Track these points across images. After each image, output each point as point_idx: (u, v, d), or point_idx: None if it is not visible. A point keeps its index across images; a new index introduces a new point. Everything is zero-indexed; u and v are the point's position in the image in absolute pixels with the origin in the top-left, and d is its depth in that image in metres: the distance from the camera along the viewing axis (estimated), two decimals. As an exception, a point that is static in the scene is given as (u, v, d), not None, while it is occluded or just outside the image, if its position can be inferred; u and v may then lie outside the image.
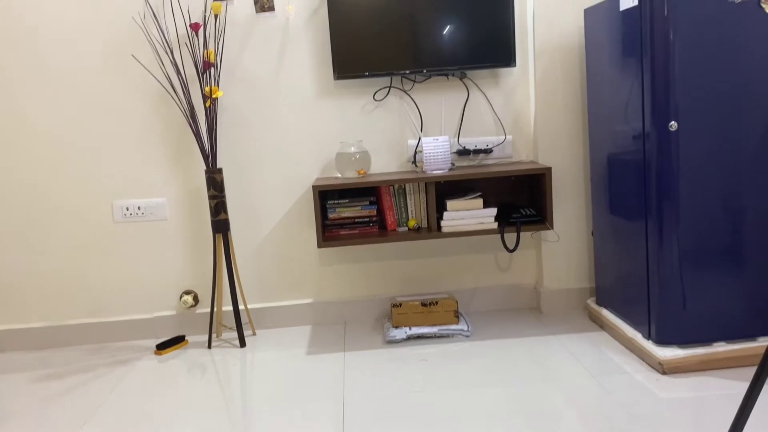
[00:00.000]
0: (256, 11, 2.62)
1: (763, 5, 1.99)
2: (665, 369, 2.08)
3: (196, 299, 2.76)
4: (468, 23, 2.56)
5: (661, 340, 2.13)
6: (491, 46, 2.58)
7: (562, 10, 2.60)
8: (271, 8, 2.62)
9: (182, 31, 2.60)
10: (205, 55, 2.51)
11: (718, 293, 2.09)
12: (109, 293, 2.76)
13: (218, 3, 2.55)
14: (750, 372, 2.05)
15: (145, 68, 2.62)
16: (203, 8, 2.60)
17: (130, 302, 2.77)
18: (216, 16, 2.59)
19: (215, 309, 2.67)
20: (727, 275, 2.09)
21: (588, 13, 2.44)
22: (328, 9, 2.54)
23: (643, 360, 2.20)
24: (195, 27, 2.50)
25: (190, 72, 2.63)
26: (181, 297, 2.74)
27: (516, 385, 2.09)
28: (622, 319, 2.37)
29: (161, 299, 2.77)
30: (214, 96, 2.50)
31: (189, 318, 2.77)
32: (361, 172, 2.58)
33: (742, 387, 1.96)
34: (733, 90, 2.02)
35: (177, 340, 2.66)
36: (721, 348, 2.08)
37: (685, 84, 2.00)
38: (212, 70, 2.54)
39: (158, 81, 2.63)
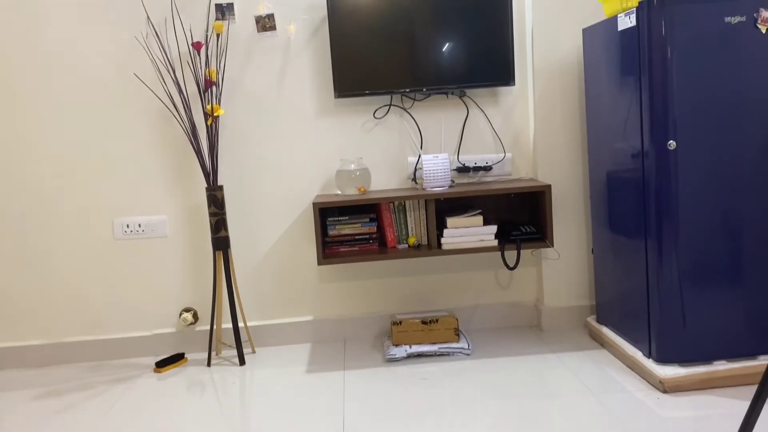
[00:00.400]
0: (258, 30, 2.65)
1: (759, 25, 2.01)
2: (666, 387, 2.07)
3: (195, 317, 2.75)
4: (467, 42, 2.59)
5: (662, 359, 2.12)
6: (490, 65, 2.61)
7: (561, 29, 2.63)
8: (273, 28, 2.65)
9: (184, 50, 2.63)
10: (207, 73, 2.53)
11: (718, 311, 2.09)
12: (108, 310, 2.76)
13: (220, 23, 2.58)
14: (751, 391, 2.05)
15: (148, 87, 2.64)
16: (205, 27, 2.63)
17: (130, 319, 2.77)
18: (218, 36, 2.62)
19: (215, 326, 2.67)
20: (727, 293, 2.09)
21: (586, 32, 2.46)
22: (329, 28, 2.56)
23: (643, 378, 2.19)
24: (197, 46, 2.53)
25: (192, 90, 2.65)
26: (180, 314, 2.74)
27: (517, 403, 2.08)
28: (623, 337, 2.37)
29: (161, 316, 2.77)
30: (215, 114, 2.52)
31: (188, 335, 2.76)
32: (362, 189, 2.59)
33: (743, 406, 1.95)
34: (730, 108, 2.03)
35: (176, 358, 2.65)
36: (721, 366, 2.08)
37: (683, 103, 2.02)
38: (214, 88, 2.56)
39: (160, 99, 2.65)
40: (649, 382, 2.16)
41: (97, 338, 2.75)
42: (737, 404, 1.96)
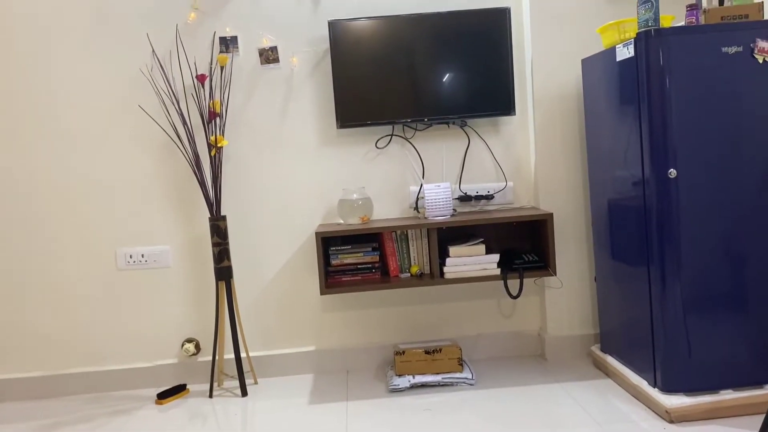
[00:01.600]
0: (261, 63, 2.68)
1: (756, 55, 2.03)
2: (672, 417, 2.05)
3: (198, 347, 2.74)
4: (468, 73, 2.62)
5: (668, 388, 2.10)
6: (491, 95, 2.64)
7: (560, 60, 2.66)
8: (276, 60, 2.69)
9: (189, 82, 2.66)
10: (211, 105, 2.56)
11: (723, 340, 2.08)
12: (110, 341, 2.75)
13: (224, 55, 2.61)
14: (758, 420, 2.02)
15: (152, 118, 2.67)
16: (209, 60, 2.67)
17: (131, 350, 2.75)
18: (222, 68, 2.66)
19: (217, 357, 2.65)
20: (732, 321, 2.08)
21: (585, 63, 2.49)
22: (332, 60, 2.60)
23: (649, 408, 2.17)
24: (201, 78, 2.56)
25: (196, 121, 2.68)
26: (183, 345, 2.72)
27: (521, 434, 2.06)
28: (628, 367, 2.35)
29: (163, 347, 2.76)
30: (219, 145, 2.54)
31: (190, 366, 2.75)
32: (364, 218, 2.60)
33: (751, 436, 1.93)
34: (729, 137, 2.05)
35: (178, 389, 2.63)
36: (728, 396, 2.06)
37: (682, 131, 2.04)
38: (218, 119, 2.59)
39: (164, 130, 2.68)
40: (654, 411, 2.14)
41: (98, 369, 2.73)
42: (745, 434, 1.94)
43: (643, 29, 2.06)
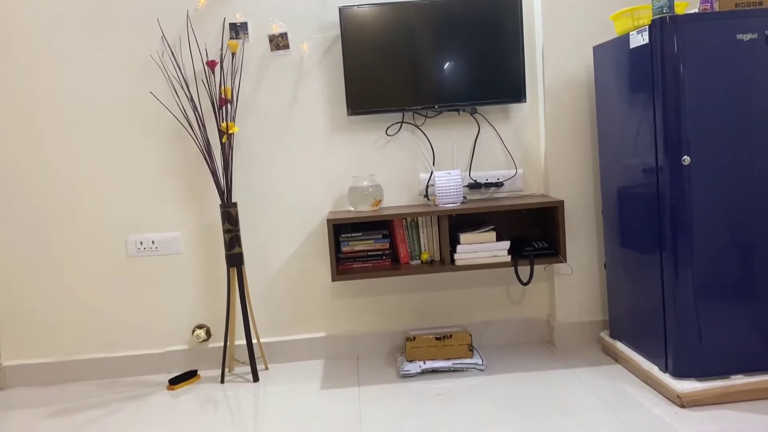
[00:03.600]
0: (271, 50, 2.68)
1: (771, 42, 2.04)
2: (683, 402, 2.07)
3: (208, 333, 2.75)
4: (478, 61, 2.62)
5: (679, 373, 2.12)
6: (501, 82, 2.64)
7: (571, 47, 2.66)
8: (286, 47, 2.68)
9: (199, 68, 2.66)
10: (222, 91, 2.55)
11: (734, 325, 2.10)
12: (121, 328, 2.76)
13: (235, 42, 2.61)
14: (769, 405, 2.05)
15: (163, 104, 2.67)
16: (220, 46, 2.66)
17: (143, 337, 2.77)
18: (233, 54, 2.65)
19: (228, 343, 2.66)
20: (744, 307, 2.09)
21: (597, 50, 2.49)
22: (342, 47, 2.59)
23: (660, 393, 2.19)
24: (212, 65, 2.56)
25: (207, 108, 2.67)
26: (193, 331, 2.74)
27: (534, 419, 2.08)
28: (638, 352, 2.37)
29: (174, 334, 2.77)
30: (230, 132, 2.54)
31: (201, 352, 2.76)
32: (376, 203, 2.60)
33: (762, 420, 1.95)
34: (743, 123, 2.05)
35: (189, 375, 2.64)
36: (739, 381, 2.08)
37: (696, 118, 2.04)
38: (228, 106, 2.59)
39: (175, 117, 2.68)
40: (666, 396, 2.16)
41: (110, 356, 2.75)
42: (756, 418, 1.96)
43: (658, 16, 2.06)
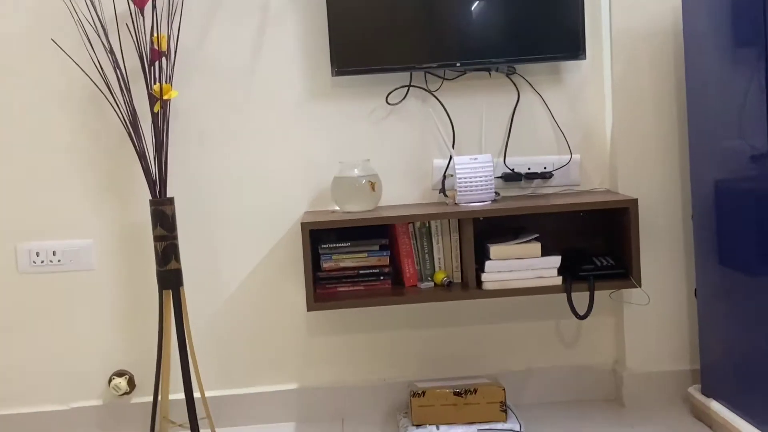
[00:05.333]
0: (226, -19, 2.67)
1: None
2: (809, 490, 2.04)
3: (131, 384, 2.75)
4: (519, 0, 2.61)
5: (803, 449, 2.10)
6: (551, 30, 2.64)
7: (650, -18, 2.66)
8: (246, -23, 2.67)
9: (123, 8, 2.63)
10: (154, 41, 2.53)
11: None
12: (9, 375, 2.74)
13: (173, -31, 2.59)
14: None
15: (70, 58, 2.64)
16: (152, -24, 2.64)
17: (39, 388, 2.75)
18: (170, -12, 2.63)
19: (159, 398, 2.64)
20: None
21: (688, -14, 2.48)
22: (326, -22, 2.59)
23: (774, 476, 2.17)
24: (140, 3, 2.53)
25: (133, 64, 2.64)
26: (110, 381, 2.73)
27: None
28: (744, 418, 2.35)
29: (83, 384, 2.76)
30: (165, 97, 2.52)
31: (121, 410, 2.76)
32: (372, 185, 2.59)
33: None
34: None
35: (104, 443, 2.63)
36: None
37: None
38: (164, 61, 2.57)
39: (87, 75, 2.65)
40: (783, 481, 2.13)
41: (-8, 413, 2.73)
42: None
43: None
